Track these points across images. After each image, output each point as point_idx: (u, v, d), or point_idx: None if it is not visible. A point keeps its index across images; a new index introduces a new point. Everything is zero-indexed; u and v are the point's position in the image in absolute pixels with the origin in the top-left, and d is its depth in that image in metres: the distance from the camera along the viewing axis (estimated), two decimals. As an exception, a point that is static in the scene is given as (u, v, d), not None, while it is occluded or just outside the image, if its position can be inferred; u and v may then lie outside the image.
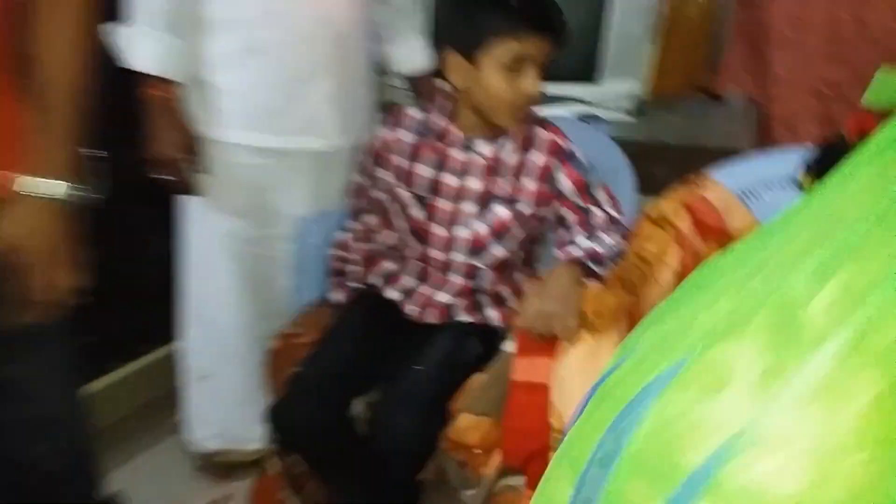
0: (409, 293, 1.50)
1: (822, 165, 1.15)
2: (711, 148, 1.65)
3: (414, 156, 1.41)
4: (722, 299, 0.57)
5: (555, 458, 0.67)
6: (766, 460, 0.48)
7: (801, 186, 1.18)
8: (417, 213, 1.42)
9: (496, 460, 1.26)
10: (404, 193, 1.44)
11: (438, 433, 1.21)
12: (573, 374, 1.12)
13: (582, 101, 1.89)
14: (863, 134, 1.12)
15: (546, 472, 0.68)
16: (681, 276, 1.31)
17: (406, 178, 1.43)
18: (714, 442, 0.50)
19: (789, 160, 1.33)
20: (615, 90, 1.89)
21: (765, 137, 1.92)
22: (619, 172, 1.55)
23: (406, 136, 1.43)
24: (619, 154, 1.58)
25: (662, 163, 1.64)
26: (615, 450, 0.57)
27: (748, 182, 1.40)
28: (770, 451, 0.48)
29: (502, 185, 1.38)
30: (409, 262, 1.47)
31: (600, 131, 1.67)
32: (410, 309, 1.48)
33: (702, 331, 0.56)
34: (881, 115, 1.13)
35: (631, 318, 1.20)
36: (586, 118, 1.81)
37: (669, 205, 1.36)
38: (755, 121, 1.92)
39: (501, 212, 1.39)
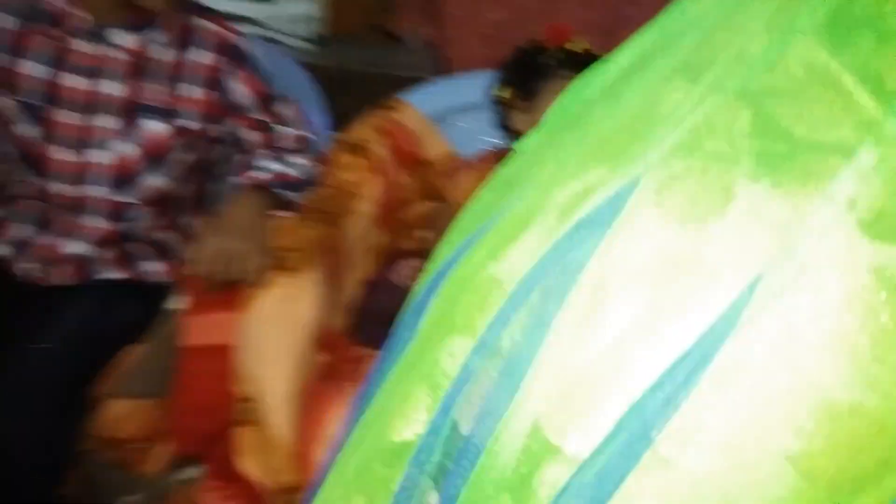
0: (21, 246, 1.09)
1: (521, 75, 1.10)
2: (400, 78, 1.55)
3: (15, 49, 1.01)
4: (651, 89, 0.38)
5: (389, 385, 0.44)
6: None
7: (501, 102, 1.13)
8: (27, 130, 1.02)
9: (163, 451, 1.00)
10: (5, 103, 1.02)
11: (76, 431, 0.94)
12: (266, 326, 0.89)
13: (254, 22, 1.62)
14: (561, 41, 1.10)
15: (371, 408, 0.45)
16: (381, 205, 1.18)
17: (7, 80, 1.01)
18: (738, 281, 0.31)
19: (477, 85, 1.29)
20: (291, 12, 1.67)
21: (444, 77, 1.89)
22: (307, 101, 1.33)
23: (2, 21, 1.01)
24: (306, 80, 1.37)
25: (350, 92, 1.48)
26: (527, 344, 0.35)
27: (440, 107, 1.32)
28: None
29: (154, 92, 1.05)
30: (20, 202, 1.06)
31: (282, 54, 1.44)
32: (25, 268, 1.08)
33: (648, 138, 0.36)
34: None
35: (332, 254, 1.01)
36: (263, 40, 1.55)
37: (365, 130, 1.22)
38: (436, 59, 1.88)
39: (155, 127, 1.05)
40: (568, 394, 0.34)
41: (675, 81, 0.38)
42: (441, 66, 1.90)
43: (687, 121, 0.36)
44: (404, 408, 0.40)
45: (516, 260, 0.38)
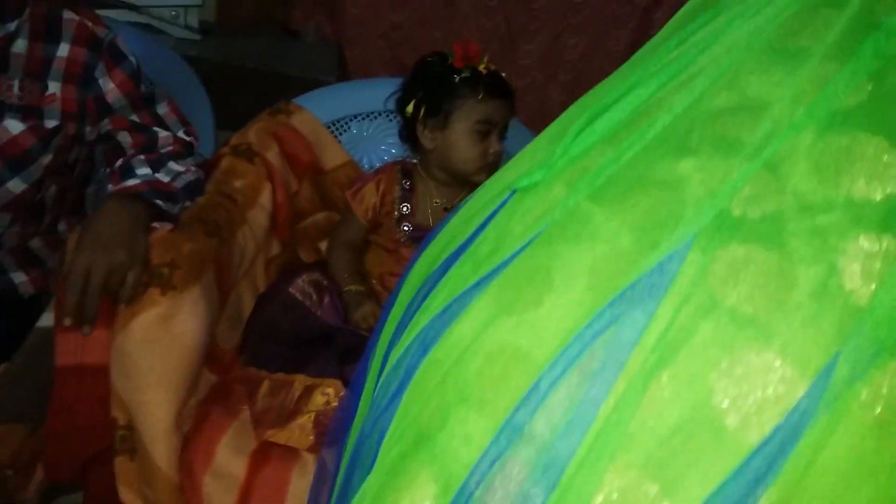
0: None
1: (431, 93, 1.08)
2: (295, 77, 1.49)
3: None
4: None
5: (385, 464, 0.36)
6: None
7: (406, 114, 1.11)
8: None
9: (39, 477, 0.94)
10: None
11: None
12: (142, 349, 0.83)
13: (133, 7, 1.52)
14: (470, 59, 1.10)
15: (365, 491, 0.37)
16: (273, 216, 1.13)
17: None
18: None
19: (377, 92, 1.27)
20: None
21: (343, 76, 1.85)
22: (191, 98, 1.26)
23: None
24: (190, 75, 1.29)
25: (240, 91, 1.42)
26: (568, 433, 0.29)
27: (336, 112, 1.28)
28: None
29: (14, 89, 0.95)
30: None
31: (162, 45, 1.35)
32: None
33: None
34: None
35: (218, 267, 0.96)
36: (143, 30, 1.45)
37: (257, 135, 1.16)
38: (335, 58, 1.83)
39: (14, 127, 0.96)
40: (621, 496, 0.29)
41: (696, 151, 0.35)
42: (339, 65, 1.86)
43: (723, 193, 0.33)
44: (406, 496, 0.33)
45: (543, 330, 0.33)
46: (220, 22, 1.85)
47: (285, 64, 1.63)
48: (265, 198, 1.12)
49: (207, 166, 1.09)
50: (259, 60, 1.60)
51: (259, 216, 1.10)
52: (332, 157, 1.24)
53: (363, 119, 1.31)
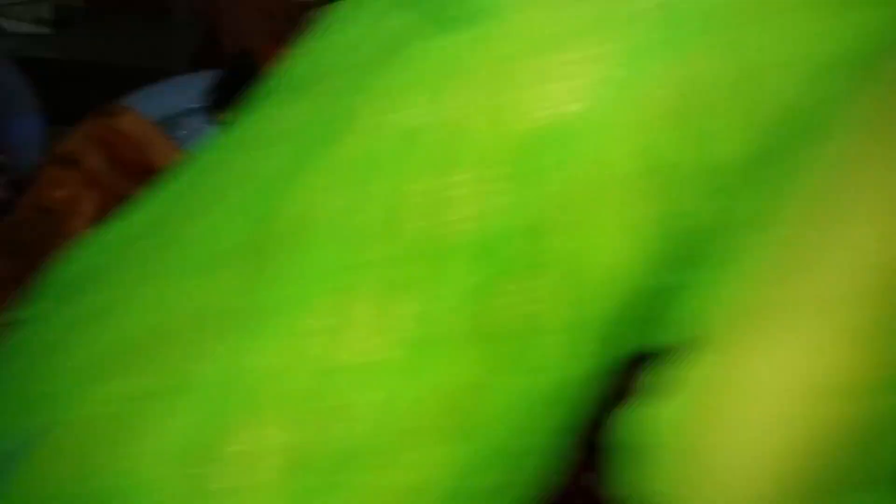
0: None
1: (226, 93, 1.08)
2: (145, 68, 1.48)
3: None
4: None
5: None
6: None
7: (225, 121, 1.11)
8: None
9: None
10: None
11: None
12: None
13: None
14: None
15: None
16: (99, 223, 1.14)
17: None
18: None
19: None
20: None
21: (213, 55, 1.81)
22: (18, 101, 1.25)
23: None
24: (16, 77, 1.28)
25: (84, 86, 1.40)
26: None
27: (169, 109, 1.28)
28: None
29: None
30: None
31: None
32: None
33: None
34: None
35: (21, 287, 0.98)
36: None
37: (77, 141, 1.16)
38: (201, 37, 1.79)
39: None
40: None
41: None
42: (212, 45, 1.81)
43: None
44: None
45: None
46: (87, 8, 1.80)
47: (140, 52, 1.60)
48: (87, 206, 1.13)
49: (29, 181, 1.10)
50: (108, 53, 1.58)
51: (80, 225, 1.11)
52: (165, 155, 1.24)
53: (197, 115, 1.31)
